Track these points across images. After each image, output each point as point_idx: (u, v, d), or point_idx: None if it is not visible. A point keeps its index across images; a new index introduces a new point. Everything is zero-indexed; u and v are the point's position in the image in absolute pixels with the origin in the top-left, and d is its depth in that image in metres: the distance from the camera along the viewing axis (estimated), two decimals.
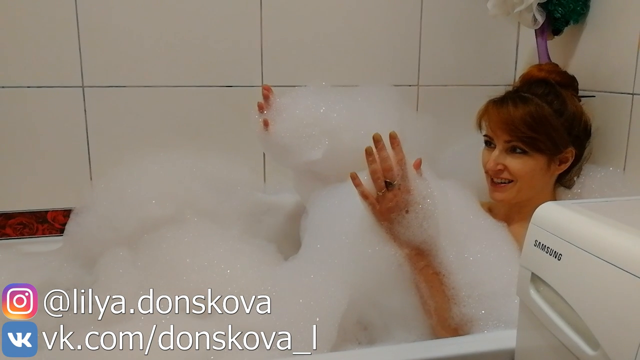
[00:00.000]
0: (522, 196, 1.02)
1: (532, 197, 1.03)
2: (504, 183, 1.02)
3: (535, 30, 1.22)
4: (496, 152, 1.01)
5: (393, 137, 0.90)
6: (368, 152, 0.89)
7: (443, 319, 0.89)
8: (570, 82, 1.09)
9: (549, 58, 1.23)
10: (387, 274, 0.90)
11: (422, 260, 0.90)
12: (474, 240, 0.94)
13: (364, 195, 0.91)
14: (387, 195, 0.89)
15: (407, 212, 0.89)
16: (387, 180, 0.89)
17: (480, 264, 0.90)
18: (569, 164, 1.03)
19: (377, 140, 0.89)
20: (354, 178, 0.91)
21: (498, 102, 1.02)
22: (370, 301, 0.93)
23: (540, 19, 1.17)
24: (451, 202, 0.95)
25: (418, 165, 0.93)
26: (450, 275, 0.89)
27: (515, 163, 1.00)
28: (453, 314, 0.88)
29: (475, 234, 0.96)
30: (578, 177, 1.07)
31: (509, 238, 0.97)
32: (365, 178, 0.92)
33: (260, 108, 1.06)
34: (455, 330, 0.88)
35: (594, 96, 1.12)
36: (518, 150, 1.00)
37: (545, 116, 0.98)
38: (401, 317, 0.92)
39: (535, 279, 0.66)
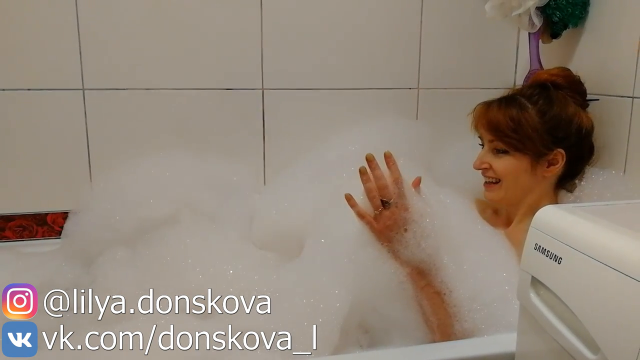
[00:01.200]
0: (511, 196, 1.04)
1: (525, 198, 1.04)
2: (493, 183, 1.05)
3: (529, 33, 1.22)
4: (483, 151, 1.05)
5: (388, 157, 0.91)
6: (362, 172, 0.90)
7: (447, 335, 0.88)
8: (572, 86, 1.09)
9: (539, 62, 1.24)
10: (388, 289, 0.90)
11: (423, 280, 0.90)
12: (471, 249, 0.94)
13: (360, 215, 0.91)
14: (385, 214, 0.89)
15: (405, 230, 0.89)
16: (383, 199, 0.89)
17: (478, 272, 0.90)
18: (559, 166, 1.02)
19: (369, 160, 0.90)
20: (349, 199, 0.92)
21: (486, 104, 1.06)
22: (372, 306, 0.93)
23: (538, 23, 1.18)
24: (450, 212, 0.95)
25: (417, 184, 0.94)
26: (451, 293, 0.89)
27: (499, 162, 1.02)
28: (456, 330, 0.88)
29: (473, 242, 0.96)
30: (580, 180, 1.07)
31: (506, 243, 0.98)
32: (361, 197, 0.92)
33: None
34: None
35: (598, 99, 1.12)
36: (500, 150, 1.02)
37: (525, 117, 1.00)
38: (403, 324, 0.92)
39: (535, 282, 0.66)
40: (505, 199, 1.04)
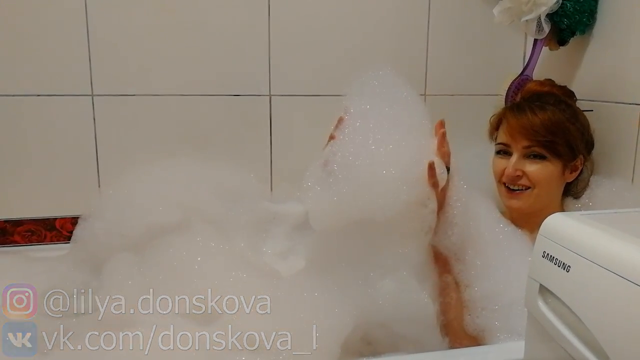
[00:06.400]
0: (539, 203, 1.03)
1: (544, 206, 1.03)
2: (521, 190, 1.03)
3: (536, 40, 1.22)
4: (514, 158, 1.03)
5: (442, 126, 0.92)
6: (444, 135, 0.91)
7: (461, 313, 0.89)
8: (570, 96, 1.11)
9: (533, 69, 1.24)
10: (404, 306, 0.89)
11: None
12: (497, 247, 0.94)
13: (436, 185, 0.89)
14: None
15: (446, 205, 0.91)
16: (448, 165, 0.90)
17: (502, 271, 0.90)
18: (578, 172, 1.05)
19: (443, 125, 0.92)
20: (432, 168, 0.89)
21: (515, 109, 1.04)
22: (379, 324, 0.91)
23: (547, 29, 1.18)
24: (478, 205, 0.96)
25: None
26: (467, 288, 0.89)
27: (534, 168, 1.01)
28: (466, 324, 0.88)
29: (499, 240, 0.95)
30: (586, 188, 1.07)
31: (530, 245, 0.97)
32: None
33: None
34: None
35: (592, 110, 1.13)
36: (537, 156, 1.01)
37: (563, 121, 1.01)
38: (412, 340, 0.91)
39: (543, 290, 0.65)
40: (533, 206, 1.03)
